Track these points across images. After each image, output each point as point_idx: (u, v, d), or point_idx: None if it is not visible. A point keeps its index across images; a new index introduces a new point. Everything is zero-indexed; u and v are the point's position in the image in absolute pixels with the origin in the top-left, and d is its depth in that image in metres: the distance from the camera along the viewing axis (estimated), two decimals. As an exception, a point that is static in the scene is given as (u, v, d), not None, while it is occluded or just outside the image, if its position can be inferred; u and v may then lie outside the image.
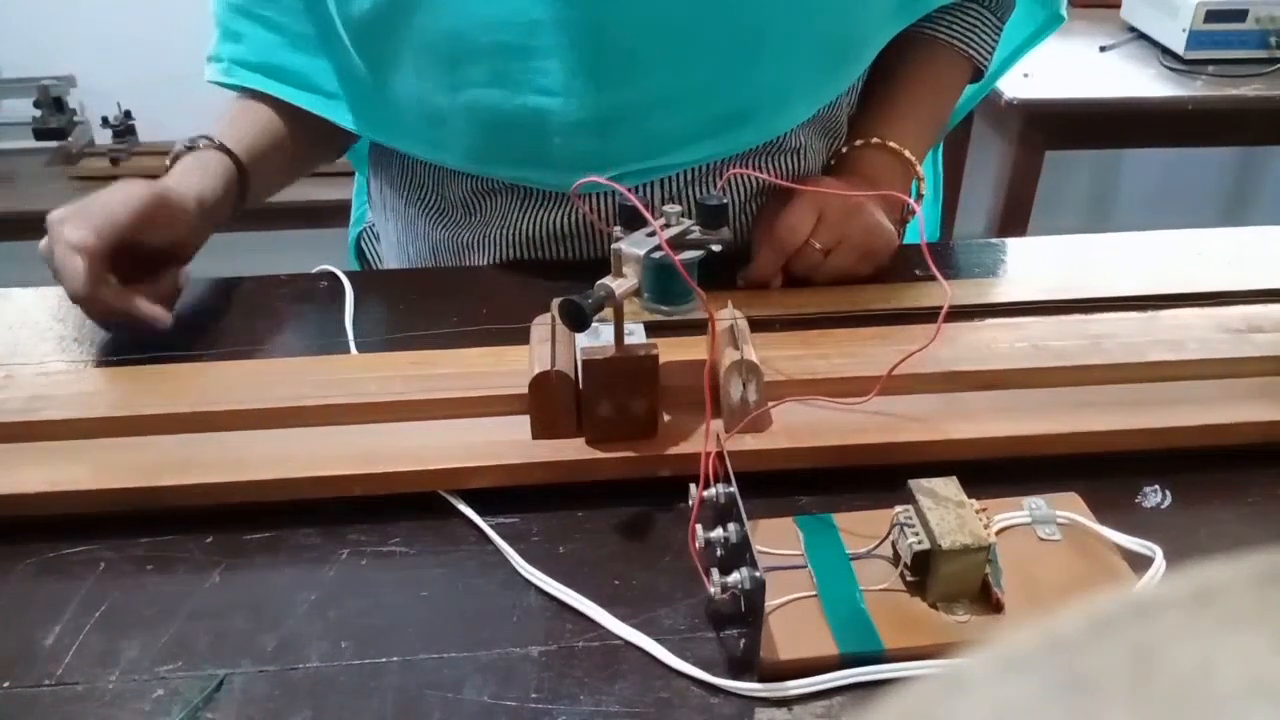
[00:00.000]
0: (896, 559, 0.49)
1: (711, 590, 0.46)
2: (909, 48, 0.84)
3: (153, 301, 0.67)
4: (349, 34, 0.73)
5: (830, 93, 0.79)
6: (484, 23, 0.68)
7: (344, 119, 0.79)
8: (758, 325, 0.64)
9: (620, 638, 0.48)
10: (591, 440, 0.57)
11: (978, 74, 0.87)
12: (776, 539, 0.51)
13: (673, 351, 0.58)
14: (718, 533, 0.48)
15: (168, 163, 0.76)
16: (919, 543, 0.47)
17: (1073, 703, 0.13)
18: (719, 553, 0.49)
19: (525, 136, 0.73)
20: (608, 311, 0.53)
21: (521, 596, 0.51)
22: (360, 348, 0.69)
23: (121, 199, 0.66)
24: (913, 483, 0.50)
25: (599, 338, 0.56)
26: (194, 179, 0.73)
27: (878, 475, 0.55)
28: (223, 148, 0.76)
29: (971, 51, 0.84)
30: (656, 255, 0.52)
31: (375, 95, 0.77)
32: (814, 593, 0.49)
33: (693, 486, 0.52)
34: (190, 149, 0.76)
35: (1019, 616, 0.48)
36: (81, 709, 0.45)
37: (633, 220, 0.54)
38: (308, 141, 0.83)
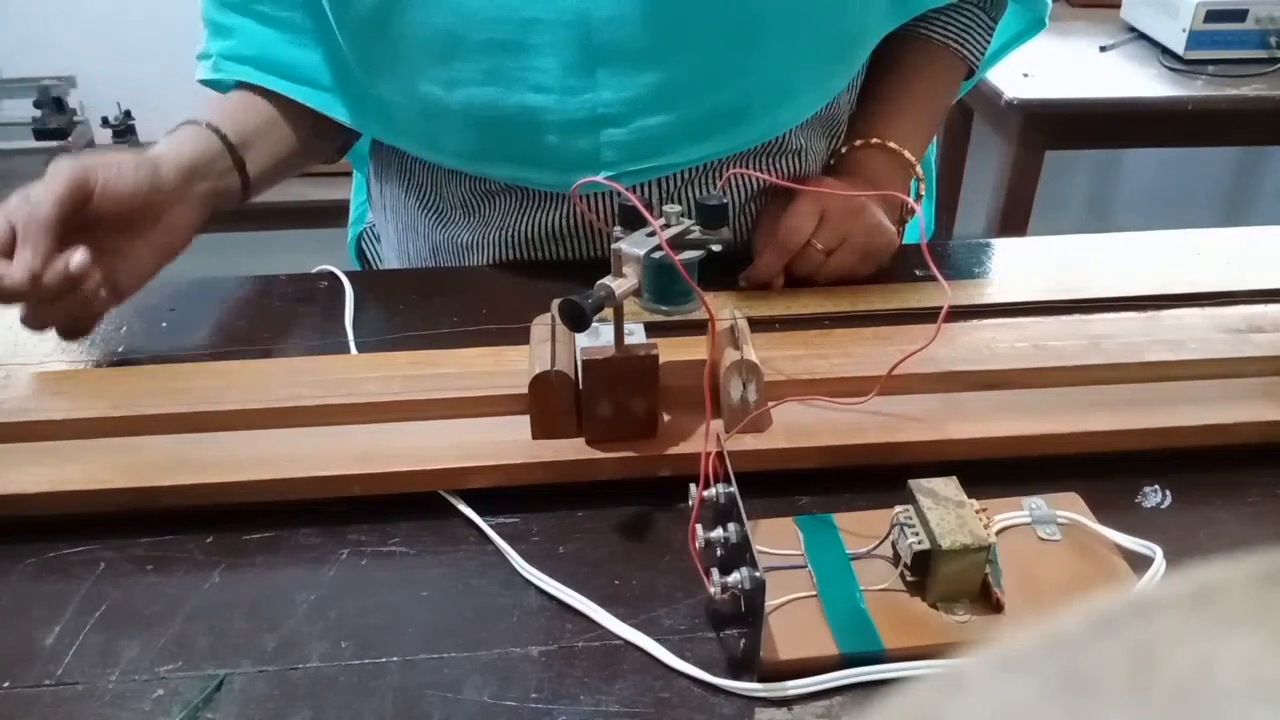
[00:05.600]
0: (896, 559, 0.49)
1: (711, 590, 0.46)
2: (906, 48, 0.84)
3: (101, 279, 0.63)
4: (342, 30, 0.73)
5: (828, 89, 0.79)
6: (478, 20, 0.68)
7: (339, 113, 0.79)
8: (758, 325, 0.64)
9: (620, 638, 0.48)
10: (591, 440, 0.57)
11: (969, 73, 0.88)
12: (776, 539, 0.51)
13: (673, 351, 0.58)
14: (718, 533, 0.48)
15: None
16: (919, 543, 0.47)
17: (1072, 703, 0.13)
18: (719, 553, 0.48)
19: (520, 135, 0.73)
20: (608, 311, 0.53)
21: (521, 596, 0.51)
22: (360, 348, 0.69)
23: (43, 184, 0.61)
24: (913, 483, 0.50)
25: (599, 338, 0.56)
26: (156, 147, 0.70)
27: (878, 475, 0.55)
28: (198, 123, 0.74)
29: (966, 52, 0.85)
30: (656, 255, 0.52)
31: (370, 92, 0.76)
32: (814, 593, 0.49)
33: (693, 486, 0.52)
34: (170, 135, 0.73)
35: (1019, 616, 0.48)
36: (81, 709, 0.45)
37: (633, 220, 0.54)
38: (308, 131, 0.81)
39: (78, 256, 0.61)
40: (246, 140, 0.75)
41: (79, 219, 0.62)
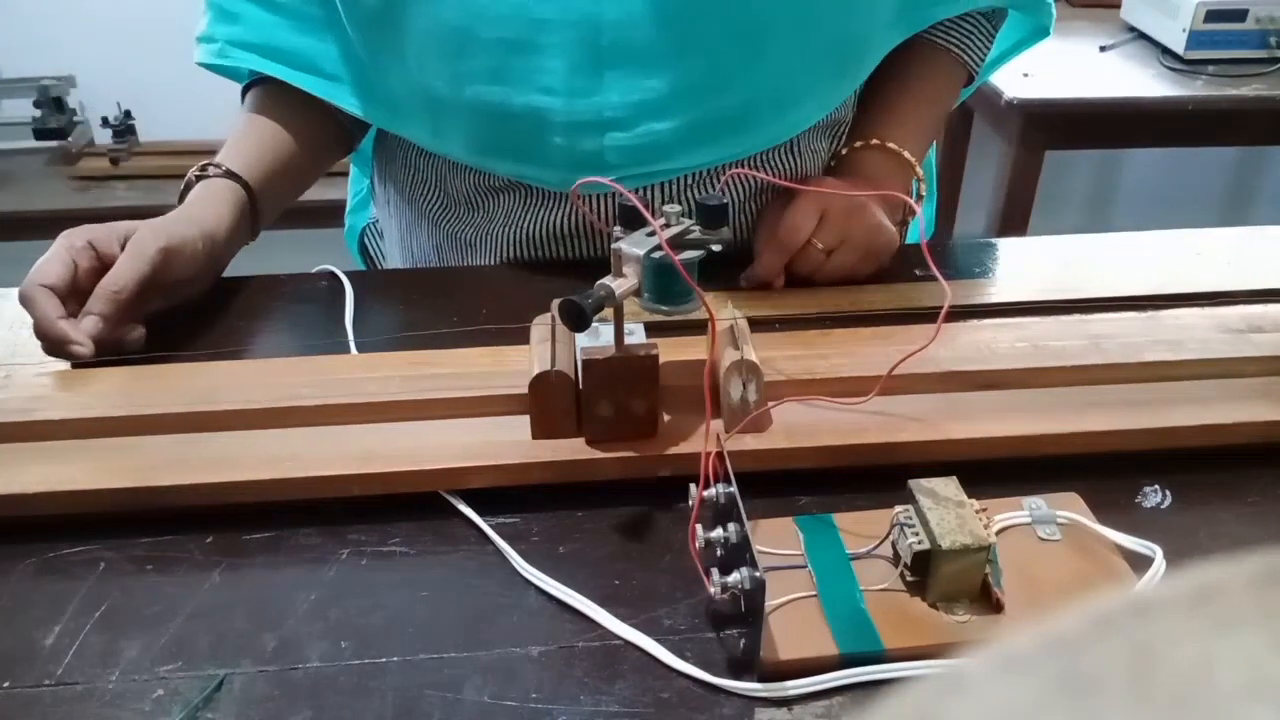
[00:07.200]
0: (896, 559, 0.49)
1: (711, 590, 0.46)
2: (907, 52, 0.84)
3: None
4: (351, 22, 0.73)
5: (832, 98, 0.79)
6: (488, 18, 0.68)
7: (346, 101, 0.79)
8: (758, 325, 0.64)
9: (620, 638, 0.48)
10: (591, 440, 0.57)
11: (969, 79, 0.88)
12: (776, 539, 0.51)
13: (673, 351, 0.58)
14: (718, 533, 0.48)
15: (181, 190, 0.76)
16: (919, 543, 0.47)
17: (1072, 703, 0.13)
18: (719, 553, 0.49)
19: (525, 134, 0.73)
20: (608, 311, 0.53)
21: (521, 596, 0.51)
22: (360, 348, 0.69)
23: (128, 261, 0.66)
24: (913, 483, 0.50)
25: (599, 338, 0.56)
26: (207, 213, 0.73)
27: (878, 475, 0.55)
28: (231, 174, 0.76)
29: (966, 58, 0.85)
30: (656, 255, 0.52)
31: (377, 82, 0.77)
32: (814, 593, 0.49)
33: (693, 486, 0.52)
34: (200, 178, 0.75)
35: (1019, 616, 0.48)
36: (81, 709, 0.45)
37: (633, 220, 0.54)
38: (315, 150, 0.83)
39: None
40: (264, 184, 0.78)
41: None
